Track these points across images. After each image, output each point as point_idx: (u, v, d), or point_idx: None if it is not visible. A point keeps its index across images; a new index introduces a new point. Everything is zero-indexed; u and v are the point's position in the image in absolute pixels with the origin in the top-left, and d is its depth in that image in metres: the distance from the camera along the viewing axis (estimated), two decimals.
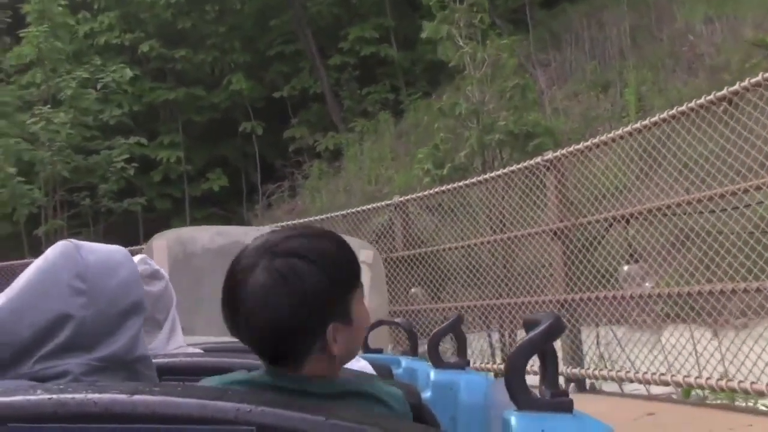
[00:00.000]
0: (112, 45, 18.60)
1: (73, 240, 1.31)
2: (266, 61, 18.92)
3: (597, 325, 5.81)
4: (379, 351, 3.32)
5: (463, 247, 7.62)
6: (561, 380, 5.77)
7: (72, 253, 1.27)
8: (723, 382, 4.30)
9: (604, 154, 5.92)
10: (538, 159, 6.42)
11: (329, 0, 18.38)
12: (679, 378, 4.63)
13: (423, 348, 2.94)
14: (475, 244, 7.45)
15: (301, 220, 10.03)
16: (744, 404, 4.76)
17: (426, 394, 2.30)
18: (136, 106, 18.22)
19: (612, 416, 4.27)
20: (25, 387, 1.05)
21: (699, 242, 4.77)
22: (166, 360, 1.73)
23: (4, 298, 1.25)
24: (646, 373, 4.98)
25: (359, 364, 2.04)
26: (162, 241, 4.67)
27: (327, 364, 1.15)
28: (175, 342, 2.14)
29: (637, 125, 5.34)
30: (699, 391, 4.94)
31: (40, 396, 0.94)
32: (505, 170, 7.14)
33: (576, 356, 5.87)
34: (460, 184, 7.67)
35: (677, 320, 4.93)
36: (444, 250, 7.81)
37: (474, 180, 7.56)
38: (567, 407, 1.23)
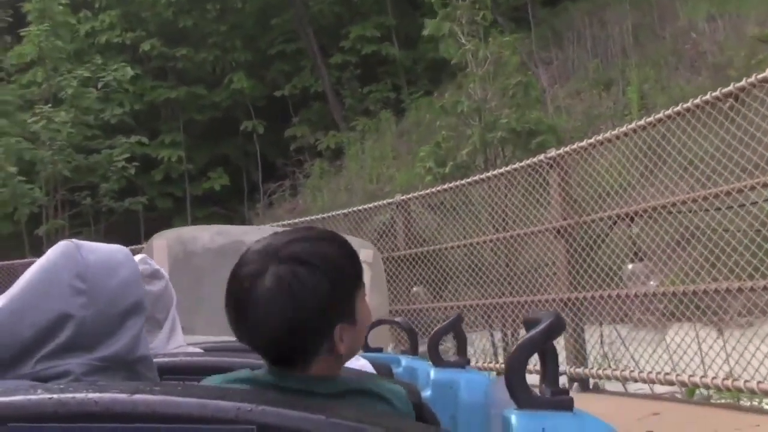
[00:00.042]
0: (113, 44, 18.59)
1: (74, 240, 1.31)
2: (267, 60, 18.90)
3: (601, 324, 5.76)
4: (379, 350, 3.32)
5: (465, 245, 7.58)
6: (564, 379, 5.78)
7: (72, 253, 1.27)
8: (729, 382, 4.25)
9: (608, 151, 5.88)
10: (541, 157, 6.37)
11: None
12: (685, 378, 4.59)
13: (424, 347, 2.92)
14: (478, 243, 7.41)
15: (303, 219, 10.00)
16: (749, 404, 4.73)
17: (426, 393, 2.30)
18: (137, 105, 18.21)
19: (616, 416, 4.23)
20: (26, 387, 1.05)
21: (705, 240, 4.73)
22: (166, 359, 1.73)
23: (6, 298, 1.25)
24: (650, 372, 4.94)
25: (359, 363, 2.04)
26: (162, 241, 4.66)
27: (332, 364, 1.17)
28: (176, 341, 2.13)
29: (642, 122, 5.29)
30: (703, 391, 4.90)
31: (40, 396, 0.94)
32: (508, 168, 7.09)
33: (579, 355, 5.83)
34: (462, 182, 7.62)
35: (682, 319, 4.89)
36: (446, 248, 7.77)
37: (476, 178, 7.52)
38: (567, 406, 1.23)
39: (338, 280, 1.14)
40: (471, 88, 9.69)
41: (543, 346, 1.24)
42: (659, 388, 5.22)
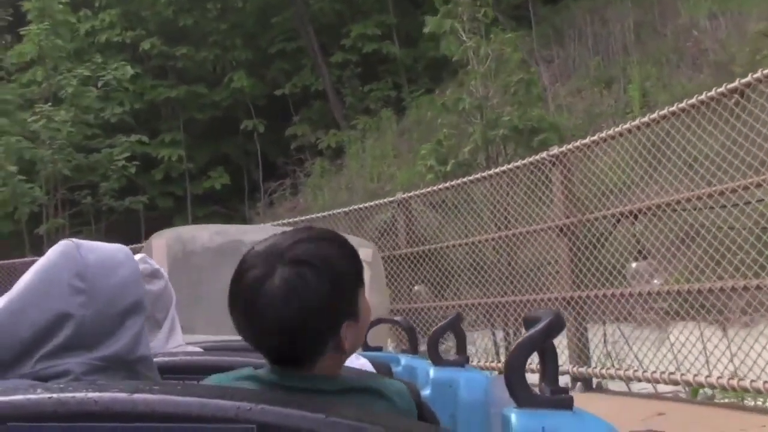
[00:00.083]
0: (113, 43, 18.54)
1: (74, 239, 1.31)
2: (268, 59, 18.85)
3: (604, 323, 5.72)
4: (379, 349, 3.33)
5: (467, 244, 7.54)
6: (567, 379, 5.74)
7: (72, 252, 1.26)
8: (735, 382, 4.21)
9: (612, 148, 5.83)
10: (544, 154, 6.33)
11: None
12: (689, 377, 4.54)
13: (425, 346, 2.91)
14: (480, 241, 7.37)
15: (304, 218, 9.96)
16: (753, 403, 4.69)
17: (425, 392, 2.31)
18: (138, 104, 18.16)
19: (621, 416, 4.19)
20: (25, 386, 1.04)
21: (710, 238, 4.68)
22: (165, 359, 1.73)
23: (6, 299, 1.25)
24: (654, 372, 4.89)
25: (359, 362, 2.05)
26: (161, 240, 4.65)
27: (337, 361, 1.20)
28: (175, 341, 2.13)
29: (646, 119, 5.25)
30: (707, 390, 4.85)
31: (40, 395, 0.94)
32: (510, 166, 7.05)
33: (583, 355, 5.79)
34: (464, 180, 7.59)
35: (687, 318, 4.84)
36: (447, 247, 7.73)
37: (478, 176, 7.48)
38: (567, 404, 1.23)
39: (343, 280, 1.17)
40: (472, 86, 9.63)
41: (542, 344, 1.24)
42: (662, 387, 5.18)
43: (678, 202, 4.96)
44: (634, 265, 5.48)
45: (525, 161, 6.72)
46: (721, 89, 4.47)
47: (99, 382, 1.16)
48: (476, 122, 9.52)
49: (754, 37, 11.05)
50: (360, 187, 15.21)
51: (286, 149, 17.83)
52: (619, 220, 5.55)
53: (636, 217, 5.35)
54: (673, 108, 4.96)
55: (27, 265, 1.32)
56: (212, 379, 1.26)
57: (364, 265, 1.26)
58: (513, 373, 1.22)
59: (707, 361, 4.61)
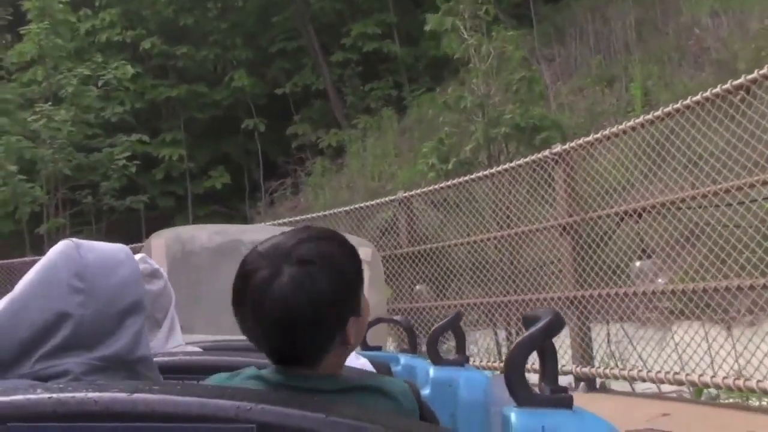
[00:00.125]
0: (114, 42, 18.51)
1: (74, 239, 1.31)
2: (268, 58, 18.82)
3: (608, 323, 5.67)
4: (378, 348, 3.33)
5: (468, 243, 7.50)
6: (570, 379, 5.69)
7: (71, 252, 1.27)
8: (741, 382, 4.16)
9: (615, 146, 5.78)
10: (546, 152, 6.28)
11: None
12: (695, 377, 4.49)
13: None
14: (481, 240, 7.33)
15: (304, 217, 9.92)
16: (757, 404, 4.65)
17: (425, 392, 2.31)
18: (138, 104, 18.13)
19: (625, 417, 4.15)
20: (25, 386, 1.04)
21: (715, 237, 4.63)
22: (165, 359, 1.74)
23: (8, 299, 1.25)
24: (659, 372, 4.84)
25: (360, 361, 2.05)
26: (160, 240, 4.63)
27: (341, 358, 1.23)
28: (175, 341, 2.14)
29: (650, 116, 5.20)
30: (711, 390, 4.81)
31: (39, 395, 0.95)
32: (512, 164, 7.01)
33: (586, 355, 5.74)
34: (466, 178, 7.55)
35: (692, 317, 4.80)
36: (449, 246, 7.69)
37: (480, 174, 7.44)
38: (567, 403, 1.23)
39: (347, 276, 1.20)
40: (474, 84, 9.58)
41: (542, 343, 1.24)
42: (665, 387, 5.13)
43: (683, 200, 4.91)
44: (638, 264, 5.43)
45: (527, 159, 6.68)
46: (727, 86, 4.42)
47: (99, 382, 1.16)
48: (478, 120, 9.47)
49: (759, 33, 10.99)
50: (361, 186, 15.18)
51: (287, 148, 17.80)
52: (622, 219, 5.50)
53: (640, 215, 5.30)
54: (678, 105, 4.91)
55: (26, 265, 1.30)
56: (214, 380, 1.27)
57: (364, 264, 1.27)
58: (513, 372, 1.22)
59: (712, 362, 4.56)
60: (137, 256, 1.93)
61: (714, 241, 4.64)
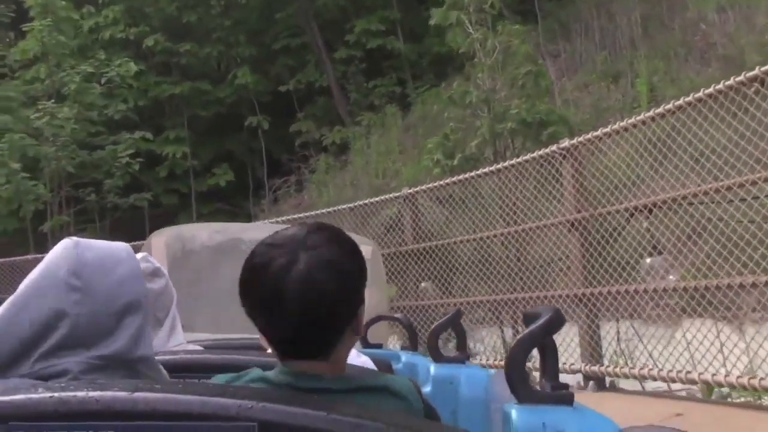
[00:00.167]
0: (117, 39, 18.48)
1: (74, 237, 1.31)
2: (272, 55, 18.76)
3: (617, 321, 5.58)
4: (379, 346, 3.32)
5: (474, 239, 7.42)
6: (580, 378, 5.61)
7: (70, 250, 1.26)
8: (756, 381, 4.07)
9: (625, 141, 5.69)
10: (554, 147, 6.19)
11: None
12: (708, 377, 4.40)
13: None
14: (487, 237, 7.25)
15: (309, 214, 9.86)
16: None
17: (426, 389, 2.32)
18: (141, 101, 18.10)
19: (636, 417, 4.06)
20: (26, 386, 1.04)
21: (729, 232, 4.54)
22: (167, 357, 1.74)
23: (11, 299, 1.26)
24: (671, 371, 4.75)
25: (361, 359, 2.06)
26: (160, 239, 4.61)
27: (348, 350, 1.24)
28: (176, 339, 2.15)
29: (661, 109, 5.11)
30: (723, 389, 4.72)
31: (41, 394, 0.95)
32: (519, 159, 6.92)
33: (595, 353, 5.65)
34: (471, 174, 7.46)
35: (705, 315, 4.71)
36: (455, 243, 7.61)
37: (486, 170, 7.35)
38: (567, 400, 1.24)
39: (357, 267, 1.23)
40: (479, 78, 9.49)
41: (542, 341, 1.24)
42: (675, 386, 5.05)
43: (695, 195, 4.82)
44: (648, 260, 5.34)
45: (534, 154, 6.58)
46: (740, 78, 4.33)
47: (99, 381, 1.16)
48: (483, 116, 9.37)
49: (765, 28, 10.89)
50: (365, 183, 15.12)
51: (291, 146, 17.75)
52: (632, 215, 5.41)
53: (651, 211, 5.21)
54: (690, 98, 4.81)
55: (30, 263, 1.25)
56: (218, 380, 1.26)
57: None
58: (513, 370, 1.23)
59: (725, 361, 4.47)
60: (139, 255, 1.93)
61: (727, 236, 4.55)
